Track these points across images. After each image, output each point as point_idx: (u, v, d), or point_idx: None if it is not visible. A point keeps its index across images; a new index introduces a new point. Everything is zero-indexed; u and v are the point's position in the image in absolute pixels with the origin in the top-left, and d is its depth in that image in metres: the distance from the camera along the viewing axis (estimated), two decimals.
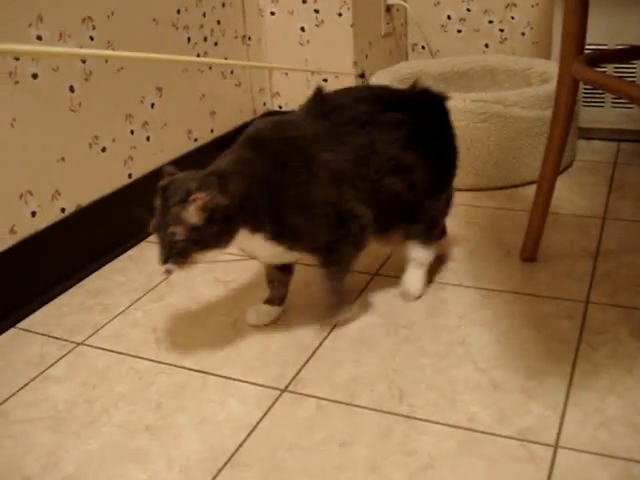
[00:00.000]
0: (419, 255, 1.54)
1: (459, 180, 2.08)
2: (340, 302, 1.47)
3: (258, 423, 1.22)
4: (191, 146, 2.14)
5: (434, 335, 1.43)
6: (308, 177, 1.33)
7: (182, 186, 1.25)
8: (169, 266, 1.27)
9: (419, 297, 1.55)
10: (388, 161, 1.41)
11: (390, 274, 1.66)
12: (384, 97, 1.47)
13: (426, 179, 1.46)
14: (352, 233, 1.39)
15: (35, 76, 1.59)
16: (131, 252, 1.88)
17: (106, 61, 1.78)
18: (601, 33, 2.25)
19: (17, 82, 1.55)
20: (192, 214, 1.23)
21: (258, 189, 1.29)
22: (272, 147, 1.35)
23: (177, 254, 1.26)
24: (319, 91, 1.45)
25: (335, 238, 1.38)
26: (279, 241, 1.34)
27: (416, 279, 1.56)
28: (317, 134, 1.38)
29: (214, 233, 1.26)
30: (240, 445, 1.17)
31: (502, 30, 2.66)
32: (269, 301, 1.51)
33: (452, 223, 1.86)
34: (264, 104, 2.52)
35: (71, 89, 1.68)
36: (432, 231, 1.55)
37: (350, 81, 2.39)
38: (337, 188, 1.36)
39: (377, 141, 1.40)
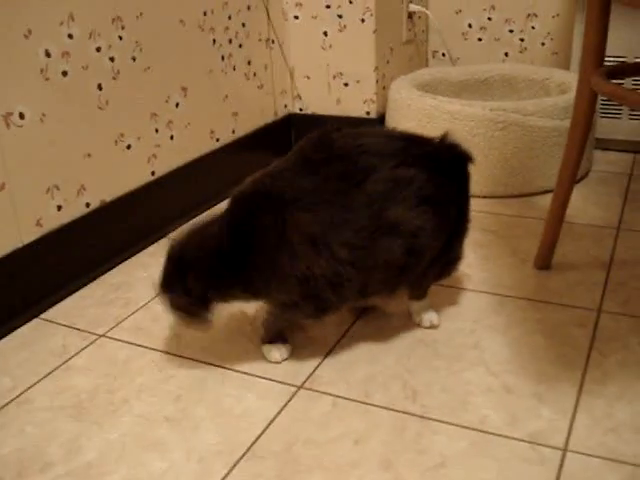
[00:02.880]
0: (417, 306, 1.51)
1: (476, 187, 2.12)
2: (270, 335, 1.43)
3: (275, 418, 1.25)
4: (213, 146, 2.17)
5: (448, 338, 1.46)
6: (278, 241, 1.27)
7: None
8: None
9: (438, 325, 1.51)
10: (387, 224, 1.28)
11: None
12: (399, 151, 1.31)
13: (431, 245, 1.34)
14: (309, 312, 1.37)
15: (65, 73, 1.62)
16: (152, 248, 1.92)
17: (133, 59, 1.81)
18: (621, 45, 2.28)
19: (48, 79, 1.59)
20: (170, 311, 1.37)
21: (222, 268, 1.31)
22: (247, 210, 1.31)
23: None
24: (323, 136, 1.34)
25: (293, 304, 1.35)
26: (257, 298, 1.38)
27: (427, 315, 1.50)
28: (299, 190, 1.28)
29: (199, 309, 1.35)
30: (257, 438, 1.21)
31: (522, 40, 2.68)
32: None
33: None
34: (285, 106, 2.55)
35: (99, 87, 1.72)
36: (425, 292, 1.50)
37: (370, 84, 2.42)
38: (311, 255, 1.27)
39: (376, 200, 1.27)
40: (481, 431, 1.20)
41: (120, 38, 1.77)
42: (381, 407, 1.27)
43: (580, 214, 1.99)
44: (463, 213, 1.44)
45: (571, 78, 2.33)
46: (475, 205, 2.06)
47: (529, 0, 2.62)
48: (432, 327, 1.50)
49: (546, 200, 1.99)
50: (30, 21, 1.53)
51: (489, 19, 2.70)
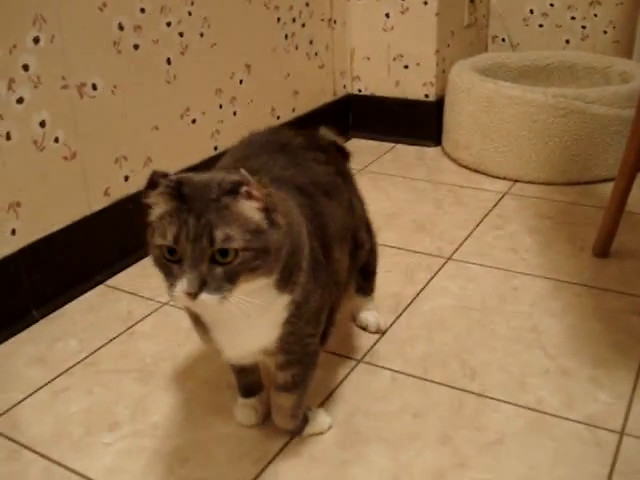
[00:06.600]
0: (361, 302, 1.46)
1: (534, 173, 2.13)
2: (302, 423, 1.19)
3: (336, 389, 1.29)
4: (274, 123, 2.20)
5: (505, 320, 1.48)
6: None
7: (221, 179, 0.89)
8: (207, 296, 0.86)
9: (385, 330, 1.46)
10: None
11: (463, 259, 1.71)
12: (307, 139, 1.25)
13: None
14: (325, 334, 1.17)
15: (137, 47, 1.66)
16: None
17: (201, 35, 1.85)
18: None
19: (120, 51, 1.62)
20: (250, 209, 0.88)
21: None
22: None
23: (225, 276, 0.87)
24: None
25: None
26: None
27: (373, 317, 1.45)
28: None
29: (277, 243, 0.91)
30: (318, 408, 1.24)
31: (584, 27, 2.66)
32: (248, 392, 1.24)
33: (525, 215, 1.90)
34: (344, 87, 2.57)
35: (168, 61, 1.76)
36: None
37: (430, 67, 2.43)
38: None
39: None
40: (538, 411, 1.21)
41: (189, 14, 1.80)
42: (439, 384, 1.29)
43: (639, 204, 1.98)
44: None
45: (633, 67, 2.31)
46: (532, 191, 2.07)
47: None
48: (378, 332, 1.45)
49: (605, 188, 1.98)
50: None
51: (551, 5, 2.68)
